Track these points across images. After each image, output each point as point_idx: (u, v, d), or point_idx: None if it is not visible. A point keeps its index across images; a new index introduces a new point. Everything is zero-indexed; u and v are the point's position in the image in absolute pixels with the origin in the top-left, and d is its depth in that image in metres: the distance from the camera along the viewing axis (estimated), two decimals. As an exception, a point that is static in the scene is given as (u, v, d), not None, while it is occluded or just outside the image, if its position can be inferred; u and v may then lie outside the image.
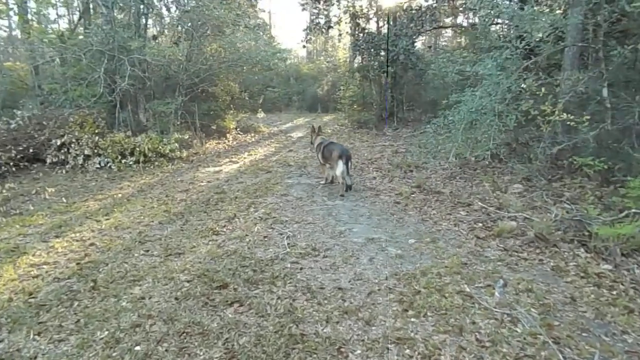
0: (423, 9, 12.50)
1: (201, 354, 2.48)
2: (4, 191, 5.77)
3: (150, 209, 5.39)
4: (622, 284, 3.18)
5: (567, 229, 4.09)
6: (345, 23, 14.36)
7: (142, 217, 5.07)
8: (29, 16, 10.65)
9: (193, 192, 6.18)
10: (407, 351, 2.48)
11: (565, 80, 5.59)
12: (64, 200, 5.80)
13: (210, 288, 3.23)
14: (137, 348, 2.53)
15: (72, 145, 7.72)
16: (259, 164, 8.28)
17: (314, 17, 14.76)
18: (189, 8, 9.96)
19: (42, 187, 6.25)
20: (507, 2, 5.80)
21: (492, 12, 6.31)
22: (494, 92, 5.38)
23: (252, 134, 12.61)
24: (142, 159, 7.98)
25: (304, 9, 15.66)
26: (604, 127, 5.12)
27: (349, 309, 2.91)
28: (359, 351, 2.48)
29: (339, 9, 14.53)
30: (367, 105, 13.26)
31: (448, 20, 16.00)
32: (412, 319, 2.79)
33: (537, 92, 5.15)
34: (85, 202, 5.76)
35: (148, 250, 4.05)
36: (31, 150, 7.63)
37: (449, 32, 19.18)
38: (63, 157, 7.69)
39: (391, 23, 12.36)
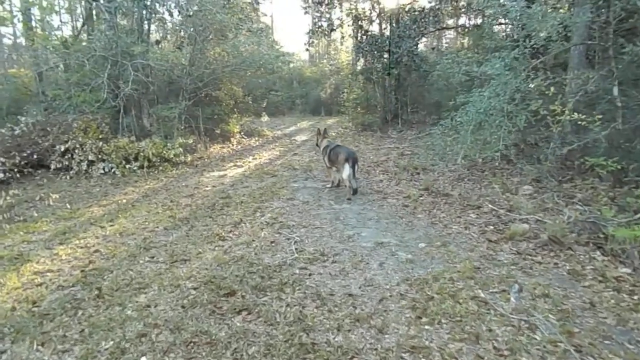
0: (426, 10, 12.43)
1: (209, 364, 2.40)
2: (8, 197, 5.71)
3: (155, 215, 5.32)
4: (642, 288, 3.08)
5: (582, 231, 3.99)
6: (348, 26, 14.32)
7: (146, 223, 5.00)
8: (33, 23, 10.69)
9: (198, 197, 6.11)
10: (423, 360, 2.39)
11: (575, 79, 5.50)
12: (68, 207, 5.74)
13: (218, 295, 3.15)
14: (143, 359, 2.46)
15: (76, 151, 7.69)
16: (264, 167, 8.21)
17: (317, 20, 14.73)
18: (192, 13, 9.93)
19: (46, 193, 6.20)
20: (514, 1, 5.71)
21: (499, 10, 6.23)
22: (502, 92, 5.30)
23: (256, 138, 12.56)
24: (146, 164, 7.94)
25: (306, 12, 15.64)
26: (615, 127, 5.02)
27: (360, 316, 2.82)
28: (372, 361, 2.40)
29: (342, 11, 14.50)
30: (371, 108, 13.19)
31: (451, 22, 15.92)
32: (426, 327, 2.70)
33: (546, 92, 5.06)
34: (89, 208, 5.71)
35: (153, 257, 3.97)
36: (35, 156, 7.61)
37: (451, 33, 19.11)
38: (67, 162, 7.65)
39: (394, 25, 12.29)
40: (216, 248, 4.14)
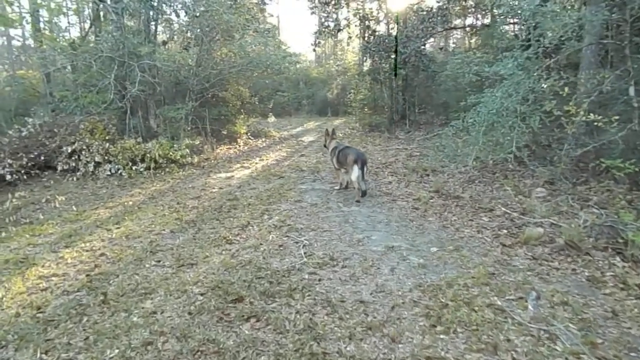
0: (434, 10, 12.29)
1: (217, 375, 2.32)
2: (14, 200, 5.70)
3: (161, 217, 5.27)
4: (666, 297, 2.95)
5: (599, 235, 3.86)
6: (355, 26, 14.23)
7: (153, 226, 4.94)
8: (41, 25, 10.71)
9: (205, 199, 6.05)
10: (439, 372, 2.29)
11: (589, 79, 5.36)
12: (74, 209, 5.71)
13: (225, 302, 3.07)
14: (149, 368, 2.39)
15: (83, 152, 7.67)
16: (271, 169, 8.14)
17: (324, 20, 14.65)
18: (198, 13, 9.89)
19: (52, 195, 6.18)
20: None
21: (510, 9, 6.10)
22: (514, 93, 5.17)
23: (263, 139, 12.50)
24: (152, 165, 7.90)
25: (313, 13, 15.58)
26: (632, 128, 4.87)
27: (372, 324, 2.73)
28: (386, 372, 2.30)
29: (349, 11, 14.41)
30: (378, 108, 13.05)
31: (458, 22, 15.77)
32: (442, 336, 2.60)
33: (560, 92, 4.93)
34: (95, 210, 5.67)
35: (160, 261, 3.91)
36: (42, 158, 7.61)
37: (458, 33, 18.94)
38: (74, 164, 7.64)
39: (401, 25, 12.16)
40: (223, 252, 4.06)
